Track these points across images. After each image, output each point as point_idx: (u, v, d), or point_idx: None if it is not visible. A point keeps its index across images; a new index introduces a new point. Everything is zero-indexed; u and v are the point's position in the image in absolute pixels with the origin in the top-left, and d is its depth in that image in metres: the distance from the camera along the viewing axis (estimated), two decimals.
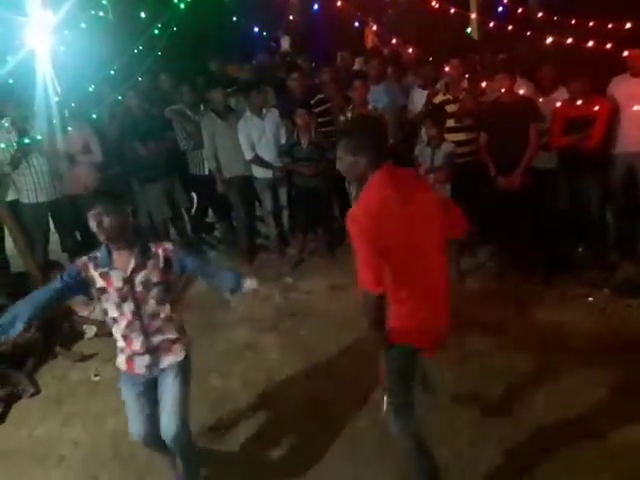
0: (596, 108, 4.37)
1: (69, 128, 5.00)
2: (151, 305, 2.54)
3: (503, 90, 4.44)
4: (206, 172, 5.54)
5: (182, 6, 5.55)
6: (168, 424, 2.53)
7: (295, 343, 4.11)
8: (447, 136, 4.59)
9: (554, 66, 4.64)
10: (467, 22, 5.88)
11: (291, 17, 8.10)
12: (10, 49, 4.61)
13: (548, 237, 4.73)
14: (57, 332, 4.37)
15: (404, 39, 6.14)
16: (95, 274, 2.49)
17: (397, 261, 2.25)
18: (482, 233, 4.92)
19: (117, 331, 2.58)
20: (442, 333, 2.46)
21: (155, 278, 2.52)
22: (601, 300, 4.17)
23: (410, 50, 5.99)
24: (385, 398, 2.54)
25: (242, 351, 4.08)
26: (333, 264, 5.25)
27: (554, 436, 2.94)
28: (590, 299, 4.19)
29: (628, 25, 4.37)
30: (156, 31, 5.50)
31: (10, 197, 5.01)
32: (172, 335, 2.63)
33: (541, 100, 4.60)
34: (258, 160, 5.19)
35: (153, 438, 2.62)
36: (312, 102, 5.32)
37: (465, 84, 4.86)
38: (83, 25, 5.96)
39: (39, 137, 4.83)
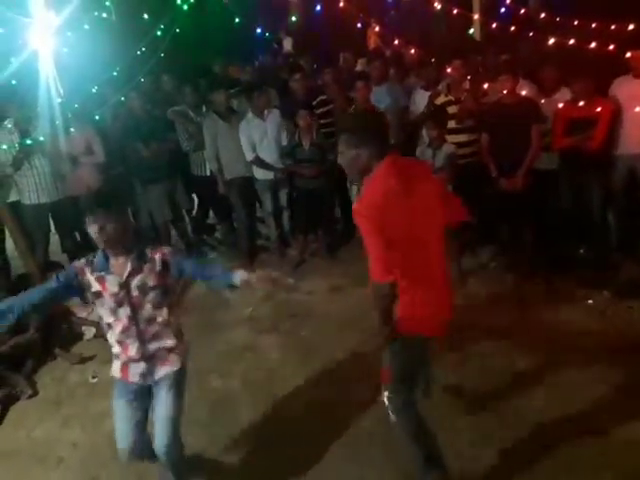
0: (598, 109, 4.36)
1: (72, 129, 5.01)
2: (147, 309, 2.50)
3: (505, 91, 4.42)
4: (208, 173, 5.54)
5: (185, 8, 5.58)
6: (160, 438, 2.53)
7: (295, 344, 4.10)
8: (448, 137, 4.59)
9: (556, 67, 4.63)
10: (470, 23, 5.87)
11: (293, 18, 8.11)
12: (13, 50, 4.61)
13: (549, 238, 4.72)
14: (56, 333, 4.35)
15: (406, 40, 6.13)
16: (91, 278, 2.46)
17: (400, 252, 2.28)
18: (483, 234, 4.91)
19: (112, 337, 2.54)
20: (447, 319, 2.51)
21: (152, 282, 2.49)
22: (601, 302, 4.15)
23: (412, 51, 5.98)
24: (385, 394, 2.55)
25: (242, 352, 4.08)
26: (334, 265, 5.25)
27: (554, 433, 2.94)
28: (590, 301, 4.18)
29: (631, 26, 4.35)
30: (159, 32, 5.53)
31: (12, 198, 5.02)
32: (169, 341, 2.59)
33: (543, 101, 4.59)
34: (258, 161, 5.19)
35: (140, 447, 2.60)
36: (314, 103, 5.32)
37: (467, 85, 4.84)
38: (86, 26, 5.97)
39: (41, 138, 4.83)
